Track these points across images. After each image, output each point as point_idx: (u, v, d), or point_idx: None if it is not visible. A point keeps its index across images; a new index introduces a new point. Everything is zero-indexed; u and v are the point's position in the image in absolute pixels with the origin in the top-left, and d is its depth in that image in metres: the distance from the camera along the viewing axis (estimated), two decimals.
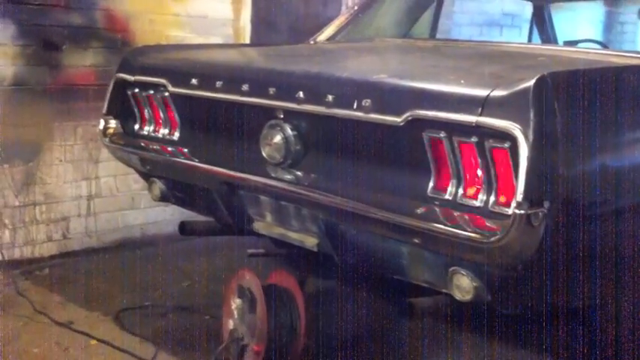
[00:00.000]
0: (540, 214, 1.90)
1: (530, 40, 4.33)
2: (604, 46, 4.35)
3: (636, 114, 2.23)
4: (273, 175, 2.52)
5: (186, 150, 2.87)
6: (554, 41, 4.16)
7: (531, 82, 1.90)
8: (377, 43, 3.54)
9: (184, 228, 3.04)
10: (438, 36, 4.00)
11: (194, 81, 2.74)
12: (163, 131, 2.98)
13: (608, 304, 2.47)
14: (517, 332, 2.99)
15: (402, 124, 2.12)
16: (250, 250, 2.97)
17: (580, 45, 3.86)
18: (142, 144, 3.00)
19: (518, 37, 5.62)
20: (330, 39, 3.57)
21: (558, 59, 2.81)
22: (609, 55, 3.01)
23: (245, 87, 2.56)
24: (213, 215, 2.99)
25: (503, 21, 5.85)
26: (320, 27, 3.73)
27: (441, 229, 2.03)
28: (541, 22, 4.20)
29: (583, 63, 2.61)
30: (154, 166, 3.00)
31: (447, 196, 2.11)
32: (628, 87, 2.26)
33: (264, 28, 4.49)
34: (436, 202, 2.12)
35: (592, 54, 2.97)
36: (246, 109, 2.62)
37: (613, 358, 2.55)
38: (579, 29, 5.29)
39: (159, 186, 3.05)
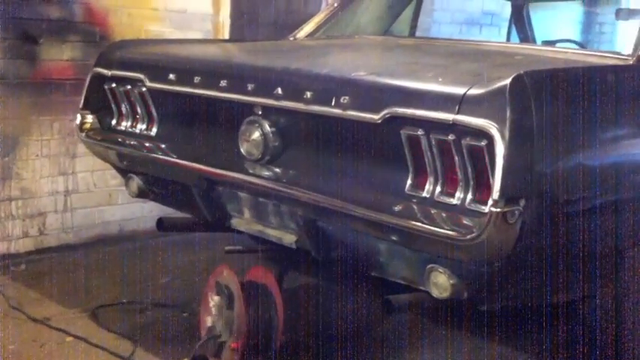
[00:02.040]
0: (516, 211, 1.91)
1: (508, 39, 4.36)
2: (582, 46, 4.39)
3: (612, 113, 2.26)
4: (251, 171, 2.51)
5: (164, 146, 2.86)
6: (533, 41, 4.19)
7: (508, 81, 1.91)
8: (357, 40, 3.55)
9: (162, 224, 3.02)
10: (417, 34, 4.02)
11: (172, 76, 2.73)
12: (141, 127, 2.96)
13: (588, 299, 2.50)
14: (501, 325, 3.01)
15: (379, 121, 2.13)
16: (227, 247, 2.96)
17: (558, 45, 3.89)
18: (120, 139, 2.98)
19: (497, 36, 5.66)
20: (310, 35, 3.56)
21: (536, 58, 2.83)
22: (587, 54, 3.03)
23: (223, 83, 2.55)
24: (191, 211, 2.98)
25: (483, 20, 5.88)
26: (300, 23, 3.72)
27: (419, 226, 2.04)
28: (520, 21, 4.22)
29: (560, 62, 2.63)
30: (131, 162, 2.98)
31: (425, 194, 2.11)
32: (604, 86, 2.28)
33: (244, 23, 4.47)
34: (414, 200, 2.13)
35: (570, 54, 3.00)
36: (224, 105, 2.61)
37: (594, 351, 2.58)
38: (558, 29, 5.33)
39: (136, 182, 3.03)
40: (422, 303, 2.30)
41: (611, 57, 2.76)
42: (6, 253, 3.68)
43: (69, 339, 2.87)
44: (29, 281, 3.42)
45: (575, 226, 2.16)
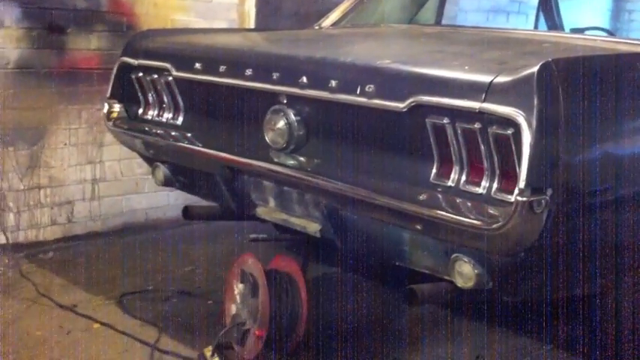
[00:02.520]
0: (543, 201, 1.89)
1: (536, 26, 4.30)
2: (611, 33, 4.32)
3: None
4: (276, 160, 2.52)
5: (189, 134, 2.87)
6: (561, 28, 4.13)
7: (535, 69, 1.89)
8: (382, 28, 3.53)
9: (188, 212, 3.04)
10: (443, 22, 3.98)
11: (198, 65, 2.74)
12: (167, 115, 2.98)
13: (609, 292, 2.47)
14: (518, 318, 2.99)
15: (405, 109, 2.12)
16: (252, 235, 2.97)
17: (587, 32, 3.83)
18: (146, 128, 3.00)
19: (524, 23, 5.59)
20: (335, 24, 3.55)
21: (564, 46, 2.79)
22: (615, 42, 2.99)
23: (249, 72, 2.56)
24: (216, 200, 2.99)
25: (510, 7, 5.81)
26: (325, 12, 3.71)
27: (443, 215, 2.03)
28: (548, 8, 4.16)
29: (588, 50, 2.59)
30: (157, 151, 3.00)
31: (450, 183, 2.10)
32: (633, 74, 2.25)
33: (269, 12, 4.47)
34: (439, 189, 2.12)
35: (598, 41, 2.95)
36: (249, 94, 2.61)
37: (613, 344, 2.55)
38: (586, 17, 5.25)
39: (162, 170, 3.05)
40: (444, 294, 2.28)
41: None
42: (34, 240, 3.72)
43: (95, 325, 2.90)
44: (57, 268, 3.46)
45: (602, 217, 2.14)
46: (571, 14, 4.43)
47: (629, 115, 2.18)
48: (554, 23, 4.13)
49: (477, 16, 5.58)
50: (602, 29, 4.33)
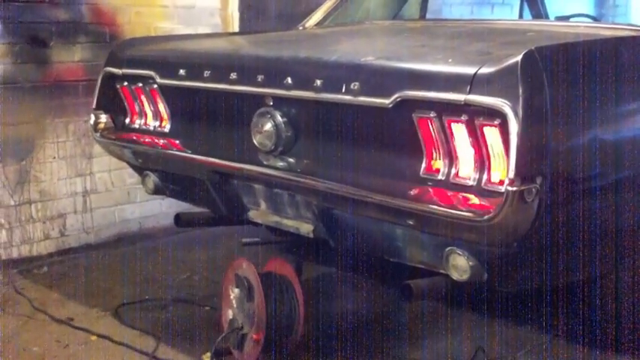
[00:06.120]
0: (533, 190, 1.89)
1: (521, 16, 4.30)
2: (596, 20, 4.32)
3: (626, 86, 2.21)
4: (265, 162, 2.51)
5: (177, 141, 2.86)
6: (546, 17, 4.13)
7: (518, 58, 1.89)
8: (366, 25, 3.52)
9: (180, 220, 3.03)
10: (428, 16, 3.98)
11: (182, 72, 2.73)
12: (154, 123, 2.96)
13: (606, 279, 2.47)
14: (517, 309, 2.99)
15: (391, 105, 2.11)
16: (245, 239, 2.96)
17: (572, 20, 3.83)
18: (134, 137, 2.99)
19: (509, 14, 5.59)
20: (319, 24, 3.54)
21: (548, 34, 2.79)
22: (600, 28, 2.99)
23: (233, 75, 2.55)
24: (208, 206, 2.98)
25: None
26: (309, 13, 3.70)
27: (435, 209, 2.03)
28: None
29: (572, 36, 2.59)
30: (146, 160, 2.99)
31: (440, 177, 2.10)
32: (618, 59, 2.24)
33: (253, 15, 4.46)
34: (429, 183, 2.11)
35: (582, 28, 2.95)
36: (235, 98, 2.60)
37: (613, 332, 2.55)
38: (571, 5, 5.25)
39: (152, 179, 3.04)
40: (441, 288, 2.27)
41: (625, 29, 2.72)
42: (28, 255, 3.70)
43: (93, 338, 2.88)
44: (51, 282, 3.44)
45: (593, 203, 2.13)
46: (556, 3, 4.44)
47: (615, 100, 2.18)
48: (539, 12, 4.14)
49: (462, 8, 5.57)
50: (587, 16, 4.33)
